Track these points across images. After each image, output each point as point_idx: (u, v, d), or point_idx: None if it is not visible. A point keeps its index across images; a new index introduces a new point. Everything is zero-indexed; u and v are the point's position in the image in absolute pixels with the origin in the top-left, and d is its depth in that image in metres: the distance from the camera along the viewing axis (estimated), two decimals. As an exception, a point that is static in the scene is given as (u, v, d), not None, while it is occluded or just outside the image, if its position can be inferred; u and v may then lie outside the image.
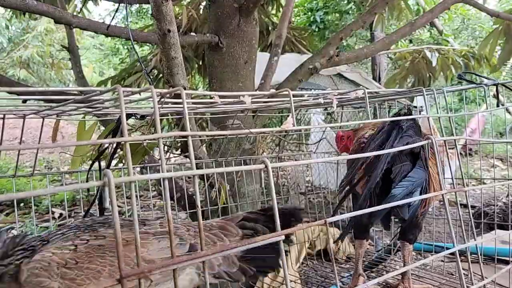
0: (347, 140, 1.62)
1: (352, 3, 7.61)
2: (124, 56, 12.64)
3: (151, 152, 1.74)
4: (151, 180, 2.81)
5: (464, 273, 0.87)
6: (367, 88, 1.02)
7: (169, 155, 1.98)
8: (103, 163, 1.26)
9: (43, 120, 1.28)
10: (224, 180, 1.88)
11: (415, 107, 3.97)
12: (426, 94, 1.07)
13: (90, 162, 1.68)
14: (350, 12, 7.88)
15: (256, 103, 1.22)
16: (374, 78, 7.26)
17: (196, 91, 3.69)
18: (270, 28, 3.86)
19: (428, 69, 4.08)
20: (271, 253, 0.98)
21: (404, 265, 1.65)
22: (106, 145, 1.23)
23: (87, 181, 1.25)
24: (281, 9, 3.68)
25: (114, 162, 1.40)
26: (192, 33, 2.82)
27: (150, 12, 2.84)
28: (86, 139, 1.48)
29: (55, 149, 7.34)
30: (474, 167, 5.83)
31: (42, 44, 10.88)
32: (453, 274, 1.89)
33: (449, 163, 0.96)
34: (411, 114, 1.15)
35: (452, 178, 1.01)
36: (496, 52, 3.28)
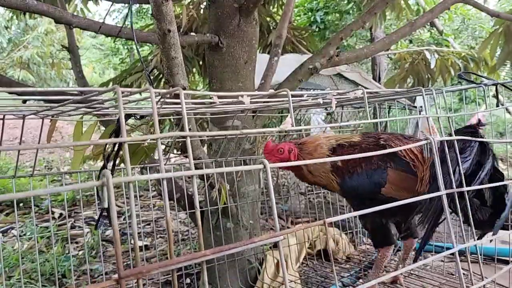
0: (289, 154, 1.48)
1: (352, 3, 7.61)
2: (124, 56, 12.66)
3: (152, 154, 1.73)
4: (151, 180, 2.81)
5: (464, 273, 0.87)
6: (367, 88, 1.02)
7: (169, 155, 1.98)
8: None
9: (43, 120, 1.28)
10: (224, 180, 1.88)
11: (415, 107, 3.98)
12: (426, 94, 1.07)
13: (90, 163, 1.68)
14: (350, 12, 7.88)
15: (256, 103, 1.22)
16: (374, 78, 7.26)
17: (196, 91, 3.69)
18: (271, 28, 3.86)
19: (427, 71, 4.09)
20: None
21: (406, 260, 1.67)
22: (109, 147, 1.23)
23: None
24: (282, 8, 3.68)
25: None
26: (192, 33, 2.82)
27: (150, 12, 2.85)
28: (85, 139, 1.48)
29: (55, 149, 7.34)
30: (474, 167, 5.81)
31: (42, 45, 10.89)
32: (453, 274, 1.89)
33: (448, 163, 0.96)
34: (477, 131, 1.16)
35: (451, 178, 1.01)
36: (496, 52, 3.27)
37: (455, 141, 0.98)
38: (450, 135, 1.02)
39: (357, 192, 1.47)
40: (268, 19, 3.86)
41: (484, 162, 1.10)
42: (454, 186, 0.94)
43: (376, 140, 1.48)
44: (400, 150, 1.37)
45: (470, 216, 0.95)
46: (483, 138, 1.14)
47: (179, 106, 1.05)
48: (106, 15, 1.90)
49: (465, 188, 0.89)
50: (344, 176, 1.47)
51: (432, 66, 4.01)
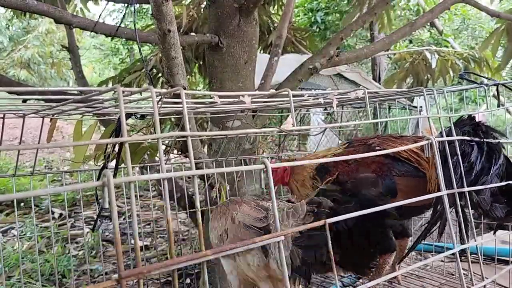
0: (283, 173, 1.57)
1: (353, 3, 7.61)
2: (124, 56, 12.67)
3: (156, 154, 1.73)
4: (151, 180, 2.81)
5: (464, 273, 0.87)
6: (367, 88, 1.01)
7: (169, 155, 1.98)
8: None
9: (43, 119, 1.28)
10: (224, 180, 1.88)
11: (415, 107, 3.98)
12: (427, 94, 1.07)
13: (91, 162, 1.68)
14: (350, 11, 7.89)
15: (256, 103, 1.22)
16: (374, 78, 7.26)
17: (196, 91, 3.69)
18: (271, 28, 3.85)
19: (427, 71, 4.09)
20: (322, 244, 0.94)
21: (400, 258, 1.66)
22: (110, 147, 1.23)
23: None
24: (282, 8, 3.67)
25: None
26: (192, 33, 2.82)
27: (150, 12, 2.85)
28: (86, 139, 1.48)
29: (55, 149, 7.34)
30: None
31: (43, 45, 10.90)
32: (453, 274, 1.88)
33: (449, 164, 0.95)
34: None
35: (451, 179, 1.01)
36: (499, 50, 3.26)
37: (456, 141, 0.97)
38: (451, 131, 1.01)
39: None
40: (268, 19, 3.86)
41: (494, 157, 1.07)
42: (465, 185, 0.93)
43: (368, 148, 1.40)
44: (403, 154, 1.32)
45: (470, 214, 0.95)
46: (487, 133, 1.11)
47: (179, 106, 1.05)
48: (100, 14, 1.90)
49: (466, 189, 0.88)
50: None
51: (433, 66, 4.00)
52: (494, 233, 1.17)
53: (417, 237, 1.16)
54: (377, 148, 1.38)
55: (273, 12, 4.04)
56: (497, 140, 1.10)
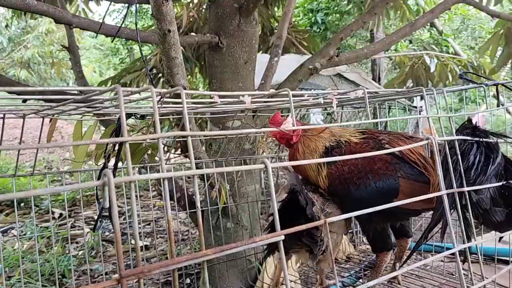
0: (293, 132, 1.46)
1: (353, 3, 7.62)
2: (124, 56, 12.68)
3: (156, 154, 1.73)
4: (151, 180, 2.81)
5: (464, 273, 0.87)
6: (367, 88, 1.02)
7: (169, 155, 1.98)
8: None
9: (43, 120, 1.28)
10: (224, 180, 1.88)
11: (415, 107, 3.98)
12: (426, 94, 1.07)
13: (90, 162, 1.68)
14: (350, 12, 7.90)
15: (256, 103, 1.22)
16: (373, 79, 7.27)
17: (196, 91, 3.69)
18: (274, 30, 3.85)
19: (426, 75, 4.09)
20: None
21: (401, 258, 1.65)
22: (110, 147, 1.23)
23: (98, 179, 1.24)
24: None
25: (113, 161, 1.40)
26: (193, 33, 2.82)
27: (150, 12, 2.85)
28: (86, 140, 1.48)
29: (55, 149, 7.34)
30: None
31: (43, 45, 10.90)
32: (453, 274, 1.89)
33: (449, 163, 0.96)
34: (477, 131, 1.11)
35: (451, 178, 1.01)
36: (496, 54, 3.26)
37: (455, 141, 0.97)
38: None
39: (364, 206, 1.35)
40: (272, 20, 3.85)
41: (492, 156, 1.07)
42: (465, 186, 0.93)
43: (377, 143, 1.39)
44: (410, 157, 1.32)
45: (470, 215, 0.95)
46: (486, 134, 1.11)
47: (179, 106, 1.05)
48: (104, 15, 1.90)
49: (466, 188, 0.89)
50: (350, 187, 1.39)
51: (432, 70, 4.00)
52: (502, 231, 1.17)
53: (419, 238, 1.16)
54: (386, 145, 1.37)
55: (277, 14, 4.02)
56: (488, 140, 1.10)
